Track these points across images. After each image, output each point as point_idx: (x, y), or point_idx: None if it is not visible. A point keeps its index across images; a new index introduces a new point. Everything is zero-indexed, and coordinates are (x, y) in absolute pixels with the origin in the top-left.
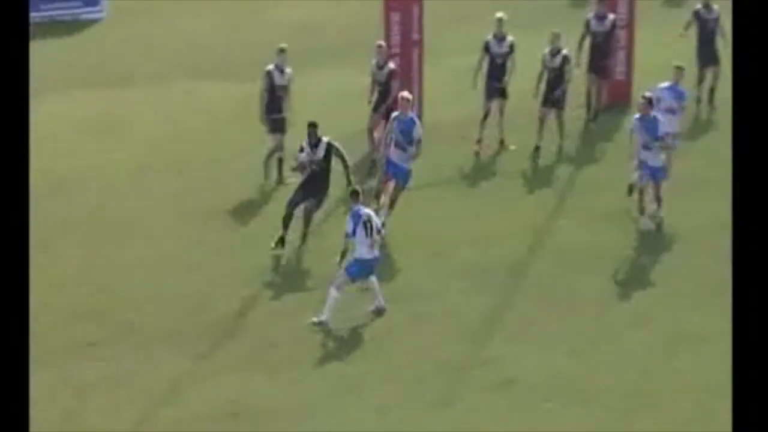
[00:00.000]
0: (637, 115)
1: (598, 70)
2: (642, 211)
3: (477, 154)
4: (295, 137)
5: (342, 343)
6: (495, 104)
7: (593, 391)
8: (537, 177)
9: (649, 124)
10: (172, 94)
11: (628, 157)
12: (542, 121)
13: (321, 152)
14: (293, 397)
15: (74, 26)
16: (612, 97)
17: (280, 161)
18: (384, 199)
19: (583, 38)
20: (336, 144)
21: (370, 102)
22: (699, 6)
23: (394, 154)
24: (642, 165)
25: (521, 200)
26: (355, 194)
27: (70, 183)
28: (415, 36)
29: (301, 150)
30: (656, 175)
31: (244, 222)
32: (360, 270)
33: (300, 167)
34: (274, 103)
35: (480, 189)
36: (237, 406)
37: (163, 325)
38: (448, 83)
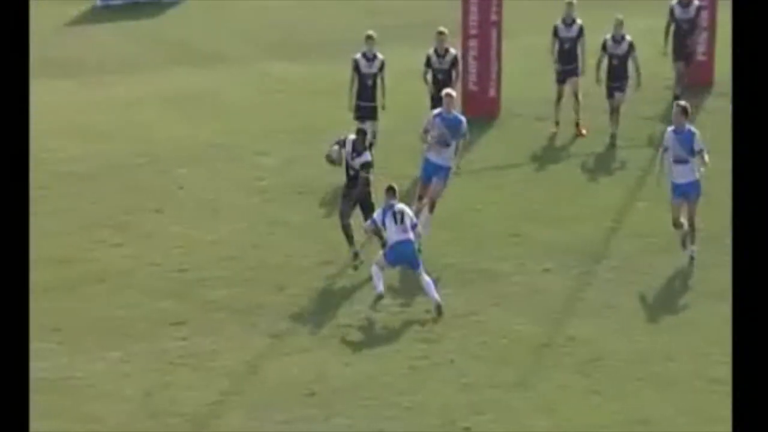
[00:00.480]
0: (671, 128)
1: (685, 57)
2: (683, 240)
3: (554, 135)
4: (387, 125)
5: (420, 324)
6: (567, 88)
7: (674, 372)
8: (613, 159)
9: (684, 137)
10: (255, 72)
11: (657, 178)
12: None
13: (358, 164)
14: (373, 377)
15: (159, 6)
16: (693, 78)
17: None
18: (424, 201)
19: (668, 26)
20: (369, 171)
21: (431, 94)
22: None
23: (434, 152)
24: (673, 186)
25: (598, 182)
26: (390, 190)
27: (157, 159)
28: (494, 17)
29: (342, 145)
30: (689, 192)
31: (325, 203)
32: (396, 255)
33: (329, 158)
34: (362, 91)
35: (556, 170)
36: (314, 385)
37: (243, 304)
38: (524, 63)
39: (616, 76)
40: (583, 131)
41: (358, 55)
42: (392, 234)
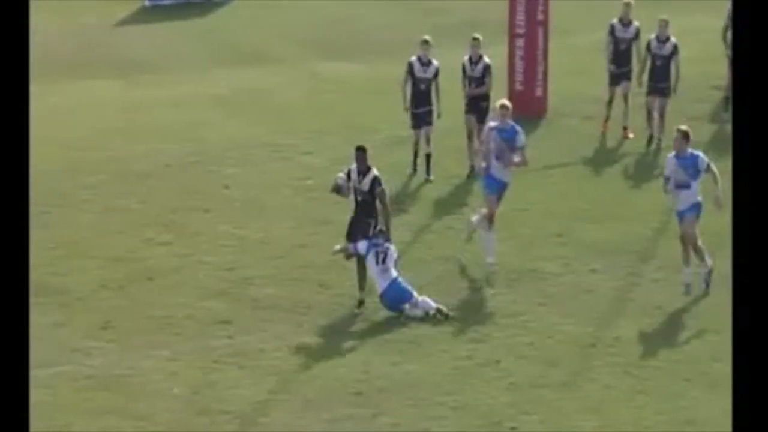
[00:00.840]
0: (672, 154)
1: None
2: (686, 260)
3: (603, 134)
4: (438, 125)
5: (471, 323)
6: (619, 89)
7: (720, 373)
8: (659, 161)
9: (687, 162)
10: (305, 72)
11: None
12: (650, 111)
13: (367, 184)
14: (419, 376)
15: (207, 6)
16: None
17: (428, 156)
18: (486, 215)
19: (725, 30)
20: (381, 183)
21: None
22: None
23: (496, 167)
24: (677, 214)
25: (645, 182)
26: (381, 232)
27: (206, 158)
28: (540, 16)
29: (348, 176)
30: (685, 215)
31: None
32: (390, 303)
33: (336, 189)
34: (417, 96)
35: (603, 170)
36: (360, 384)
37: (289, 303)
38: (571, 62)
39: (660, 77)
40: (630, 135)
41: (413, 58)
42: (373, 272)
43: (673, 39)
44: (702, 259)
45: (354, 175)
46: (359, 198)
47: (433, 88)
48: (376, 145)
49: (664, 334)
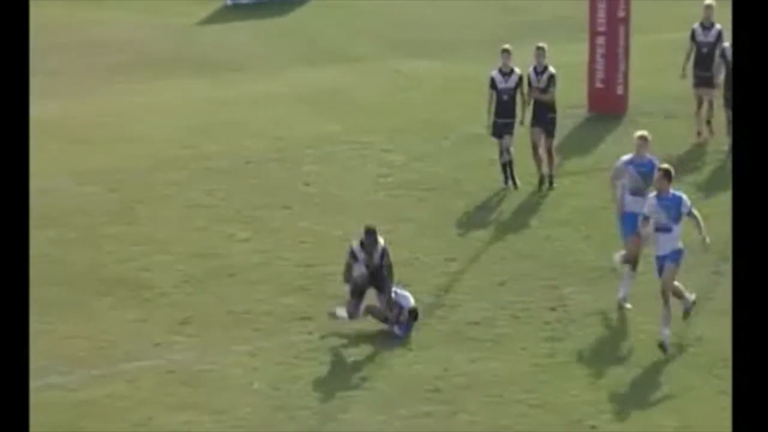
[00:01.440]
0: (653, 194)
1: None
2: (666, 319)
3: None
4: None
5: (551, 321)
6: (703, 93)
7: None
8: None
9: (668, 203)
10: (384, 70)
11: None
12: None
13: (377, 258)
14: (497, 374)
15: (287, 5)
16: None
17: (509, 164)
18: (627, 257)
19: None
20: (390, 255)
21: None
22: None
23: (632, 204)
24: (656, 259)
25: (726, 181)
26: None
27: (286, 155)
28: (621, 13)
29: (354, 257)
30: (665, 263)
31: (449, 200)
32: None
33: (348, 278)
34: (499, 107)
35: (685, 168)
36: (438, 381)
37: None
38: (653, 60)
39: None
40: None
41: (494, 72)
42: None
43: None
44: (682, 297)
45: (360, 256)
46: (373, 270)
47: (517, 97)
48: (454, 142)
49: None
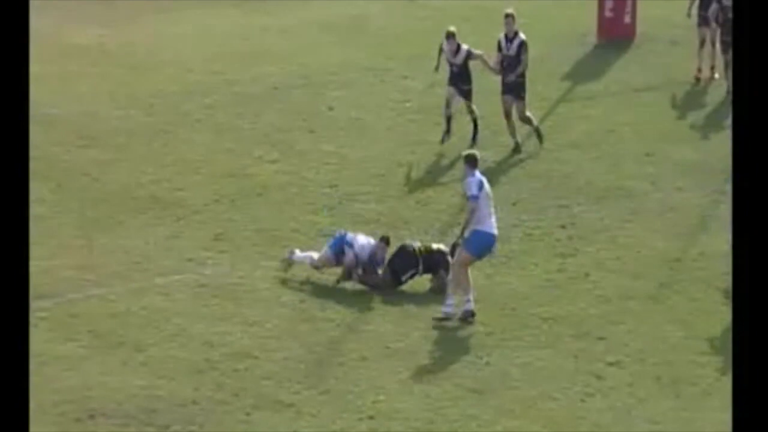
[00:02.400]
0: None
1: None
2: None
3: (697, 80)
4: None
5: (561, 239)
6: (706, 32)
7: None
8: None
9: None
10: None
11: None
12: (728, 67)
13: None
14: (512, 288)
15: None
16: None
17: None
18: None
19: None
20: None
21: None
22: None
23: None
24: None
25: (726, 108)
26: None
27: (311, 81)
28: None
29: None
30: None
31: (466, 124)
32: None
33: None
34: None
35: (690, 92)
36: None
37: (390, 218)
38: None
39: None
40: (716, 75)
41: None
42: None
43: None
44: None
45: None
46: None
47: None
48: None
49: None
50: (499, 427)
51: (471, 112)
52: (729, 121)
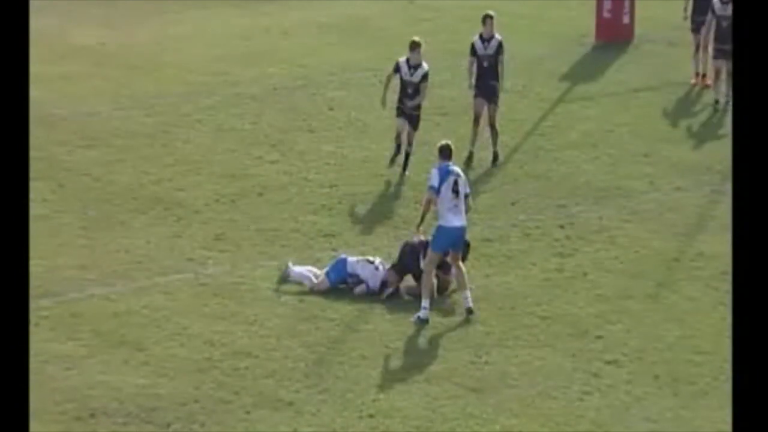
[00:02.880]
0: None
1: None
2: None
3: (694, 85)
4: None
5: (560, 238)
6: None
7: None
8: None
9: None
10: (403, 1)
11: None
12: (717, 74)
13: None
14: (510, 287)
15: None
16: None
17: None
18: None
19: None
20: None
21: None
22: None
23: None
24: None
25: (729, 103)
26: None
27: (311, 82)
28: None
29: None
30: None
31: (464, 123)
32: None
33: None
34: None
35: (687, 92)
36: (454, 294)
37: (388, 218)
38: None
39: (725, 39)
40: (708, 82)
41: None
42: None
43: None
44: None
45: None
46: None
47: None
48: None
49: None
50: (497, 425)
51: (410, 144)
52: (726, 122)
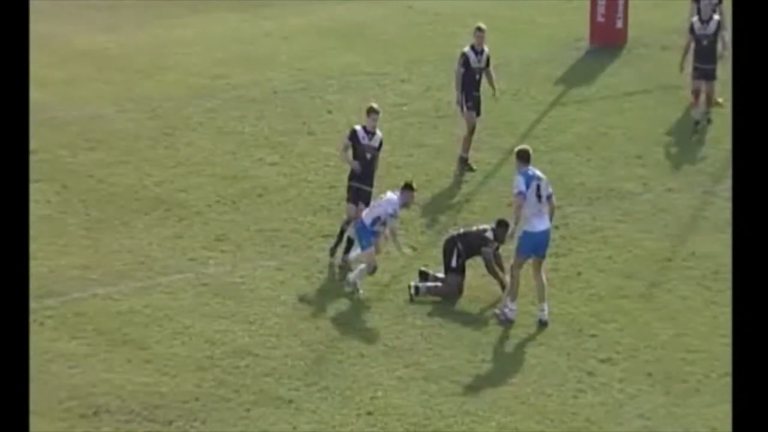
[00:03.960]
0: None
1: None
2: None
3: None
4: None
5: (554, 238)
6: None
7: None
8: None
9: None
10: (401, 6)
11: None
12: (697, 94)
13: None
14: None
15: None
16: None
17: None
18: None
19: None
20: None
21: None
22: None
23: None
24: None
25: (717, 108)
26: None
27: (310, 85)
28: None
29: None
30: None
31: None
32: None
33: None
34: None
35: (679, 96)
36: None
37: None
38: None
39: (706, 59)
40: (720, 99)
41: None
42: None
43: (716, 17)
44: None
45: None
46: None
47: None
48: None
49: None
50: (493, 422)
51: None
52: (718, 125)
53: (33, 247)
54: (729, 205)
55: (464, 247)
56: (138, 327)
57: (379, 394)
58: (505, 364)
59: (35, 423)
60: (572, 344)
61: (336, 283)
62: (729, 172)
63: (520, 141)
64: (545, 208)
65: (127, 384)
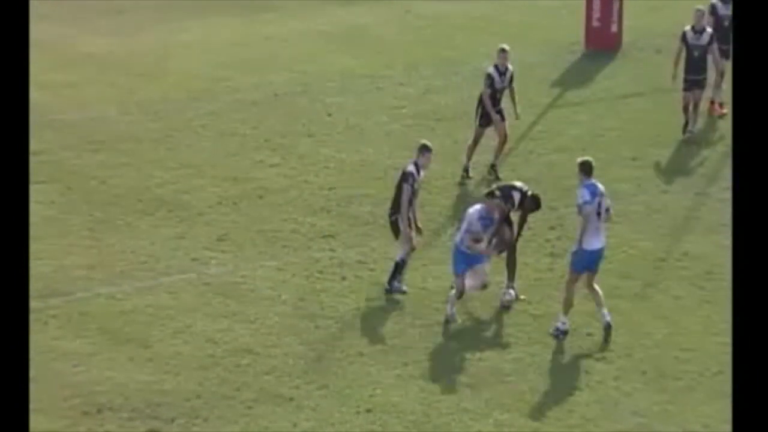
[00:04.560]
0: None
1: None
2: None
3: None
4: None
5: (551, 239)
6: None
7: None
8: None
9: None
10: (399, 9)
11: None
12: (687, 109)
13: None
14: (501, 286)
15: None
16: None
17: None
18: None
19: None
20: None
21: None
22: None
23: None
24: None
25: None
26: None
27: (310, 88)
28: None
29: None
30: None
31: (459, 129)
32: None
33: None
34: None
35: (674, 98)
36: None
37: (386, 220)
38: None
39: (696, 69)
40: (724, 110)
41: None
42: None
43: (709, 29)
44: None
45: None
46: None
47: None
48: (464, 77)
49: (729, 250)
50: (491, 419)
51: None
52: (711, 127)
53: (37, 247)
54: (721, 206)
55: (503, 197)
56: (141, 326)
57: (378, 392)
58: (502, 363)
59: (39, 420)
60: (568, 343)
61: (336, 282)
62: (722, 174)
63: (517, 143)
64: (603, 225)
65: (129, 382)
